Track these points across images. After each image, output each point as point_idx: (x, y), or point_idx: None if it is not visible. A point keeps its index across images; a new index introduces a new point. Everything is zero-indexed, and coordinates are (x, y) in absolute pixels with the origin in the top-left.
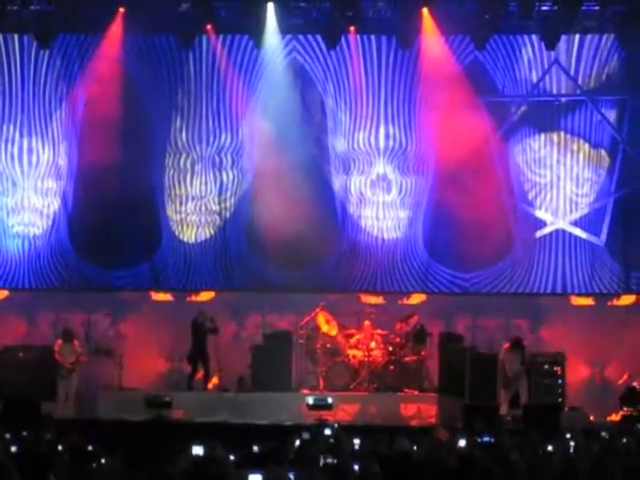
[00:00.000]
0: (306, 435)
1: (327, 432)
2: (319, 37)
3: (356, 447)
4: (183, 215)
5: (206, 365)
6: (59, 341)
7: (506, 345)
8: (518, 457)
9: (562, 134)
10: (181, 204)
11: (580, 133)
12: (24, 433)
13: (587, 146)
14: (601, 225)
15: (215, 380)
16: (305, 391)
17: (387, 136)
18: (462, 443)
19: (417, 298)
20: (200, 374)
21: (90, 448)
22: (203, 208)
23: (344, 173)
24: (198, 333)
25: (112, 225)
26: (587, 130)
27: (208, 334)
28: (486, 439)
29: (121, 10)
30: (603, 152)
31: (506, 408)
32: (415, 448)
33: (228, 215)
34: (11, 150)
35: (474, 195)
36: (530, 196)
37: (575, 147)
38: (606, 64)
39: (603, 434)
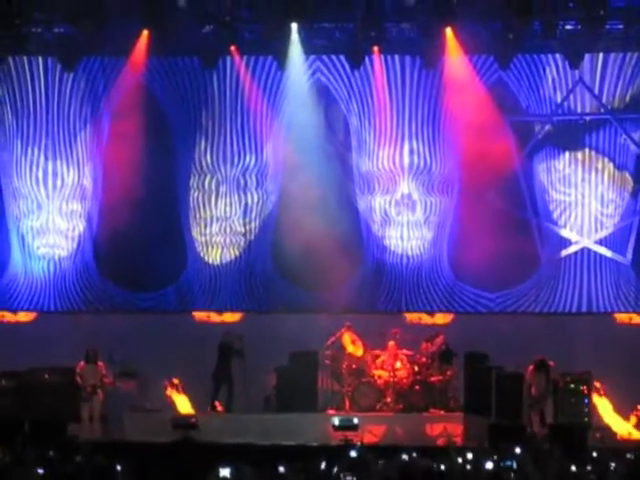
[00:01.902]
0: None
1: (353, 453)
2: (343, 57)
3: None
4: (208, 236)
5: (230, 386)
6: (81, 363)
7: (530, 367)
8: (542, 478)
9: (587, 151)
10: (206, 225)
11: (605, 152)
12: (50, 454)
13: (611, 165)
14: (626, 244)
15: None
16: (331, 412)
17: (411, 156)
18: (489, 465)
19: (442, 318)
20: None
21: (119, 468)
22: (228, 229)
23: (368, 193)
24: (225, 354)
25: (137, 247)
26: (612, 149)
27: (234, 356)
28: (511, 459)
29: (145, 32)
30: (627, 173)
31: (536, 428)
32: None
33: (253, 236)
34: (36, 173)
35: (499, 214)
36: (555, 215)
37: (600, 166)
38: (630, 82)
39: (629, 455)
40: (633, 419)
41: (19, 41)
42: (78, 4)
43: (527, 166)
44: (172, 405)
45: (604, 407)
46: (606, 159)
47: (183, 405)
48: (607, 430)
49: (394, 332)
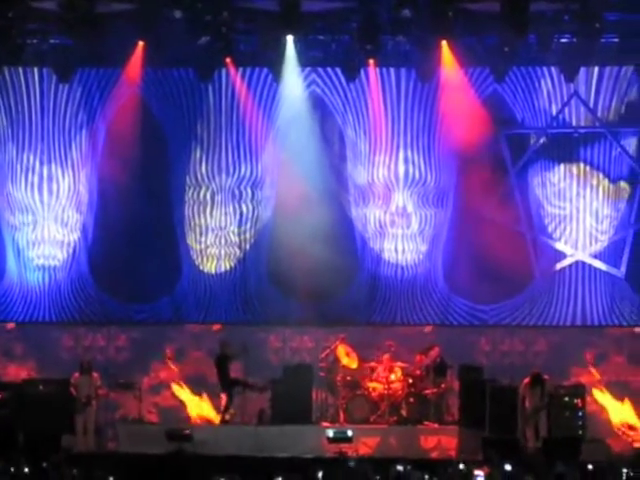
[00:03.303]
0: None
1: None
2: (338, 70)
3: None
4: (203, 246)
5: (230, 397)
6: (76, 374)
7: (526, 380)
8: None
9: (582, 166)
10: (201, 235)
11: (600, 166)
12: (44, 465)
13: (607, 181)
14: (621, 257)
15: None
16: (325, 424)
17: (406, 168)
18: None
19: (436, 330)
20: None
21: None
22: (223, 240)
23: (363, 205)
24: (222, 366)
25: (132, 257)
26: (606, 163)
27: (231, 362)
28: (505, 472)
29: (140, 43)
30: (622, 185)
31: (530, 442)
32: None
33: (248, 247)
34: (31, 180)
35: (493, 227)
36: (550, 228)
37: (595, 181)
38: (625, 96)
39: (625, 470)
40: None
41: (14, 52)
42: (73, 15)
43: (522, 179)
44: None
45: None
46: (601, 174)
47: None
48: (602, 443)
49: (388, 344)
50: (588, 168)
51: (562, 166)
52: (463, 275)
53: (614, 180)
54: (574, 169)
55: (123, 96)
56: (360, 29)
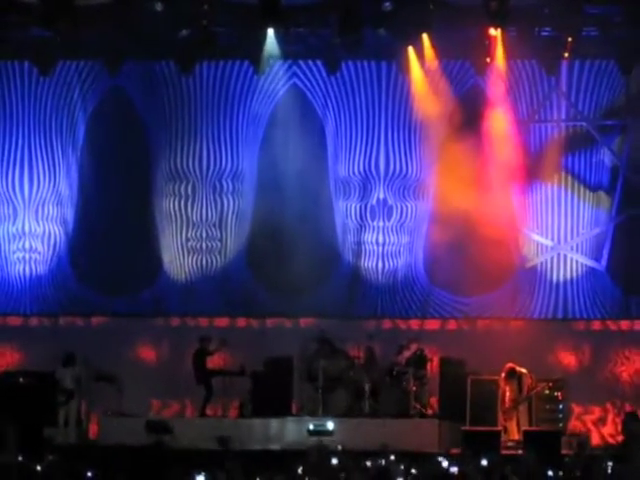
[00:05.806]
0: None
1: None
2: (319, 63)
3: None
4: (184, 241)
5: (208, 391)
6: (59, 367)
7: (502, 375)
8: None
9: (562, 164)
10: (182, 230)
11: (579, 171)
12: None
13: (587, 190)
14: (602, 250)
15: None
16: (305, 417)
17: (387, 161)
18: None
19: (418, 323)
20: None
21: (89, 474)
22: (204, 234)
23: (344, 198)
24: (199, 360)
25: (113, 251)
26: (587, 168)
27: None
28: (485, 464)
29: (122, 36)
30: (602, 192)
31: (512, 434)
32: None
33: (228, 241)
34: (12, 173)
35: (475, 220)
36: (531, 222)
37: (575, 185)
38: (606, 89)
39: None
40: None
41: None
42: (53, 8)
43: (503, 172)
44: None
45: None
46: (581, 185)
47: None
48: (582, 436)
49: (370, 337)
50: (569, 173)
51: (544, 161)
52: (444, 267)
53: (594, 187)
54: (555, 165)
55: (104, 89)
56: (341, 22)
